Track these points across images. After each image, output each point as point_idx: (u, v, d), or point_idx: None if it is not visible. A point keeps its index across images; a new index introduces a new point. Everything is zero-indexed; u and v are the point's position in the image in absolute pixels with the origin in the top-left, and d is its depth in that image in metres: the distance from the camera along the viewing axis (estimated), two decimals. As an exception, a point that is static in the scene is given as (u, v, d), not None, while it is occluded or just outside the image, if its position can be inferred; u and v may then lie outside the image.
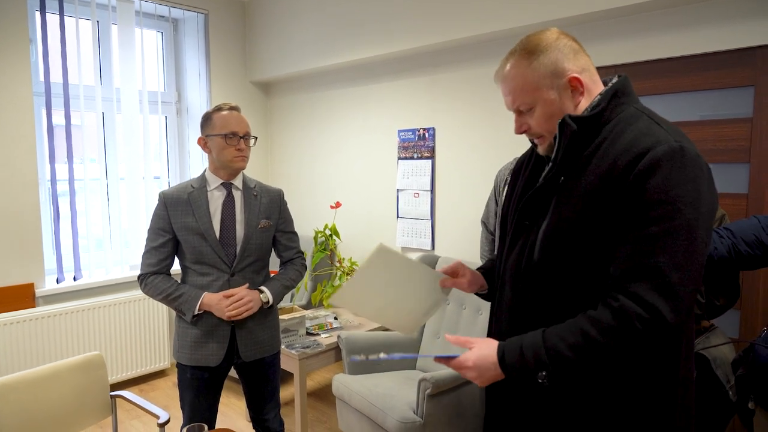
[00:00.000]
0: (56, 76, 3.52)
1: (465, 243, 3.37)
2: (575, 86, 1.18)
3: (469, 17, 3.03)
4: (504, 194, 2.59)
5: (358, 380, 2.78)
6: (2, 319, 3.22)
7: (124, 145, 3.88)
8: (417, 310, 1.47)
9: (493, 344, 1.19)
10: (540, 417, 1.22)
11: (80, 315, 3.53)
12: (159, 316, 3.91)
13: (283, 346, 2.88)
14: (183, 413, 2.16)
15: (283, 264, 2.28)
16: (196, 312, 2.03)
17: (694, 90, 2.53)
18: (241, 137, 2.05)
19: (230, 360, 2.12)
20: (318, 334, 3.12)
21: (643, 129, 1.10)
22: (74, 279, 3.65)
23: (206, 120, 2.09)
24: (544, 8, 2.72)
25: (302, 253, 2.32)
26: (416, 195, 3.64)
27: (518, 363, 1.13)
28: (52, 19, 3.47)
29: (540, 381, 1.12)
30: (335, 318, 3.32)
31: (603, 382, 1.14)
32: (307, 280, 3.85)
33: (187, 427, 1.48)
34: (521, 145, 2.82)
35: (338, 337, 3.00)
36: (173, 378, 3.96)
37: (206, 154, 2.12)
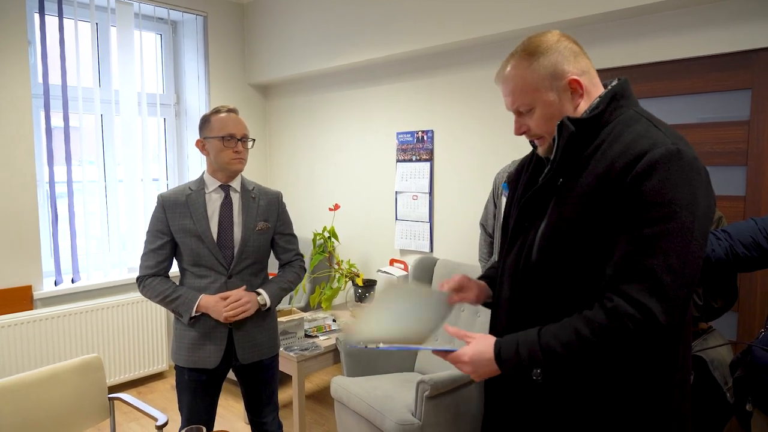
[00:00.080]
0: (55, 78, 3.52)
1: (463, 245, 3.38)
2: (575, 88, 1.18)
3: (468, 20, 3.04)
4: (502, 196, 2.61)
5: (357, 382, 2.78)
6: (0, 321, 3.22)
7: (122, 147, 3.88)
8: (426, 329, 1.47)
9: (490, 340, 1.20)
10: (538, 418, 1.22)
11: (78, 317, 3.53)
12: (157, 318, 3.90)
13: (281, 348, 2.88)
14: (181, 415, 2.16)
15: (281, 266, 2.28)
16: (193, 314, 2.03)
17: (692, 93, 2.54)
18: (238, 139, 2.06)
19: (228, 362, 2.12)
20: (316, 336, 3.12)
21: (641, 131, 1.11)
22: (72, 281, 3.65)
23: (204, 122, 2.09)
24: (543, 11, 2.73)
25: (301, 255, 2.32)
26: (415, 197, 3.64)
27: (513, 359, 1.15)
28: (51, 21, 3.47)
29: (534, 378, 1.14)
30: (333, 320, 3.32)
31: (601, 384, 1.14)
32: (305, 282, 3.85)
33: (186, 429, 1.48)
34: (520, 147, 2.84)
35: (336, 339, 3.00)
36: (171, 380, 3.95)
37: (204, 157, 2.12)
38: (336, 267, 3.73)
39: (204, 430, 1.48)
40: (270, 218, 2.19)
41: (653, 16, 2.57)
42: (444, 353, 1.25)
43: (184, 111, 4.38)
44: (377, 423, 2.52)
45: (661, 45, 2.56)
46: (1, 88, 3.28)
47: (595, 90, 1.21)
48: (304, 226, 4.26)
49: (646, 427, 1.14)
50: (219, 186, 2.11)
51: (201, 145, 2.10)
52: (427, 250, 3.60)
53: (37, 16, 3.41)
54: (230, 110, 2.10)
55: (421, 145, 3.58)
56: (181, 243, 2.07)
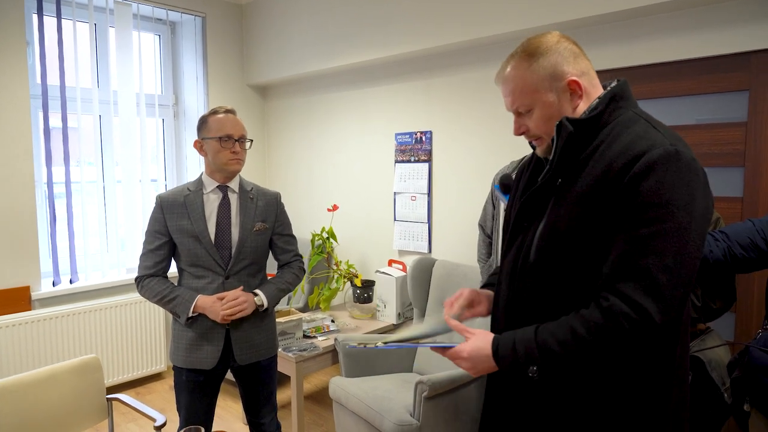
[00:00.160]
0: (53, 79, 3.51)
1: (462, 246, 3.38)
2: (574, 89, 1.19)
3: (467, 21, 3.04)
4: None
5: (355, 383, 2.78)
6: (-2, 322, 3.21)
7: (121, 147, 3.87)
8: (424, 332, 1.46)
9: (489, 337, 1.22)
10: (536, 418, 1.23)
11: (76, 318, 3.52)
12: (155, 319, 3.90)
13: (280, 349, 2.88)
14: (179, 416, 2.16)
15: (280, 267, 2.28)
16: (191, 314, 2.03)
17: (689, 94, 2.54)
18: (236, 140, 2.06)
19: (226, 363, 2.12)
20: (315, 337, 3.12)
21: (639, 132, 1.11)
22: (70, 282, 3.64)
23: (202, 123, 2.09)
24: (541, 13, 2.73)
25: (300, 256, 2.32)
26: (413, 198, 3.64)
27: (510, 356, 1.16)
28: (50, 22, 3.46)
29: (530, 375, 1.14)
30: (332, 321, 3.32)
31: (599, 383, 1.15)
32: (304, 283, 3.85)
33: (184, 430, 1.48)
34: (518, 148, 2.85)
35: (335, 339, 3.00)
36: (170, 381, 3.95)
37: (203, 157, 2.13)
38: (334, 268, 3.73)
39: (202, 430, 1.48)
40: (268, 219, 2.19)
41: (650, 18, 2.58)
42: (442, 349, 1.27)
43: (183, 112, 4.38)
44: (376, 423, 2.52)
45: (658, 46, 2.57)
46: (0, 88, 3.28)
47: (595, 91, 1.22)
48: (303, 226, 4.26)
49: (645, 427, 1.14)
50: (217, 187, 2.11)
51: (199, 145, 2.11)
52: (426, 250, 3.60)
53: (35, 17, 3.40)
54: (228, 111, 2.10)
55: (419, 146, 3.58)
56: (179, 243, 2.07)
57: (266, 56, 4.35)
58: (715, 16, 2.40)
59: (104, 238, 3.84)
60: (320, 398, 3.69)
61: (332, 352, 3.04)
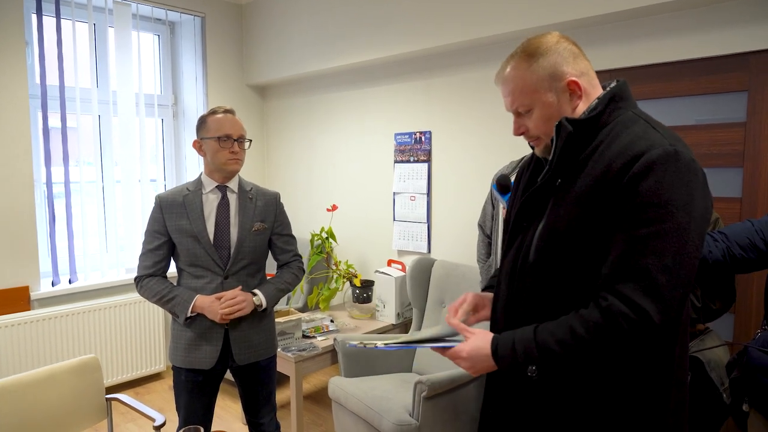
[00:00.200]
0: (52, 79, 3.51)
1: (461, 246, 3.38)
2: (573, 90, 1.19)
3: (466, 21, 3.04)
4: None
5: (354, 383, 2.78)
6: (-3, 322, 3.21)
7: (120, 147, 3.87)
8: (424, 335, 1.46)
9: (488, 336, 1.22)
10: (535, 417, 1.23)
11: (76, 318, 3.52)
12: (155, 319, 3.90)
13: (279, 349, 2.88)
14: (178, 416, 2.16)
15: (279, 267, 2.28)
16: (189, 314, 2.03)
17: (689, 95, 2.55)
18: (235, 140, 2.06)
19: (225, 363, 2.12)
20: (314, 337, 3.12)
21: (639, 132, 1.11)
22: (70, 282, 3.64)
23: (201, 123, 2.10)
24: (541, 13, 2.74)
25: (300, 256, 2.32)
26: (413, 198, 3.64)
27: (510, 356, 1.16)
28: (49, 22, 3.46)
29: (530, 374, 1.15)
30: (331, 321, 3.32)
31: (598, 384, 1.15)
32: (303, 283, 3.85)
33: (183, 429, 1.48)
34: (518, 148, 2.85)
35: (334, 339, 3.00)
36: (169, 381, 3.95)
37: (202, 158, 2.13)
38: (334, 268, 3.73)
39: (201, 430, 1.48)
40: (267, 219, 2.19)
41: (650, 18, 2.58)
42: (442, 349, 1.27)
43: (182, 112, 4.38)
44: (375, 423, 2.52)
45: (657, 47, 2.57)
46: (-1, 88, 3.29)
47: (594, 91, 1.22)
48: (302, 226, 4.27)
49: (644, 427, 1.14)
50: (216, 186, 2.11)
51: (198, 145, 2.11)
52: (425, 250, 3.60)
53: (34, 17, 3.40)
54: (227, 111, 2.10)
55: (418, 146, 3.58)
56: (178, 243, 2.07)
57: (266, 56, 4.35)
58: (714, 17, 2.40)
59: (103, 238, 3.84)
60: (319, 398, 3.69)
61: (331, 352, 3.04)
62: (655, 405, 1.14)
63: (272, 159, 4.76)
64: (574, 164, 1.18)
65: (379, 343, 1.35)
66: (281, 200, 2.28)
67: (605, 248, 1.10)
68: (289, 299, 3.94)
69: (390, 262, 3.67)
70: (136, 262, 2.14)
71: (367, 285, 3.58)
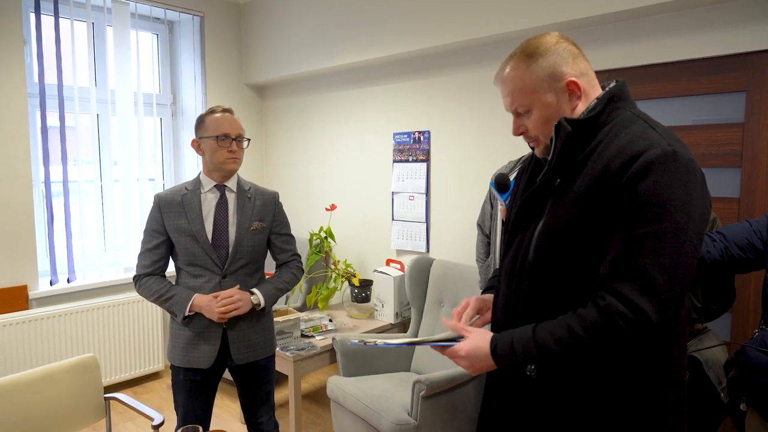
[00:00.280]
0: (51, 78, 3.51)
1: (460, 246, 3.38)
2: (573, 90, 1.19)
3: (466, 21, 3.04)
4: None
5: (353, 382, 2.78)
6: (-5, 321, 3.21)
7: (118, 147, 3.87)
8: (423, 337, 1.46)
9: (487, 335, 1.22)
10: (534, 417, 1.23)
11: (74, 317, 3.52)
12: (153, 318, 3.90)
13: (277, 348, 2.88)
14: (177, 415, 2.16)
15: (278, 267, 2.28)
16: (187, 313, 2.03)
17: (687, 95, 2.55)
18: (233, 139, 2.06)
19: (223, 362, 2.12)
20: (313, 336, 3.12)
21: (637, 132, 1.12)
22: (68, 281, 3.64)
23: (200, 122, 2.10)
24: (540, 13, 2.74)
25: (298, 255, 2.32)
26: (411, 198, 3.64)
27: (508, 355, 1.17)
28: (47, 21, 3.46)
29: (528, 373, 1.15)
30: (330, 320, 3.32)
31: (596, 383, 1.15)
32: (301, 283, 3.85)
33: (182, 429, 1.48)
34: (517, 148, 2.85)
35: (333, 339, 3.00)
36: (167, 380, 3.94)
37: (201, 157, 2.13)
38: (332, 267, 3.73)
39: (200, 429, 1.48)
40: (266, 218, 2.19)
41: (649, 18, 2.58)
42: (441, 348, 1.28)
43: (181, 111, 4.38)
44: (373, 423, 2.52)
45: (656, 47, 2.57)
46: (-3, 87, 3.28)
47: (593, 92, 1.22)
48: (301, 226, 4.27)
49: (642, 427, 1.15)
50: (215, 186, 2.11)
51: (196, 145, 2.11)
52: (424, 250, 3.61)
53: (33, 16, 3.40)
54: (225, 110, 2.10)
55: (417, 146, 3.58)
56: (177, 242, 2.07)
57: (264, 56, 4.35)
58: (712, 18, 2.41)
59: (102, 238, 3.83)
60: (318, 397, 3.69)
61: (330, 352, 3.04)
62: (653, 404, 1.14)
63: (271, 158, 4.75)
64: (573, 164, 1.18)
65: (380, 341, 1.35)
66: (280, 199, 2.28)
67: (604, 248, 1.10)
68: (287, 298, 3.94)
69: (388, 262, 3.67)
70: (134, 261, 2.14)
71: (366, 284, 3.58)
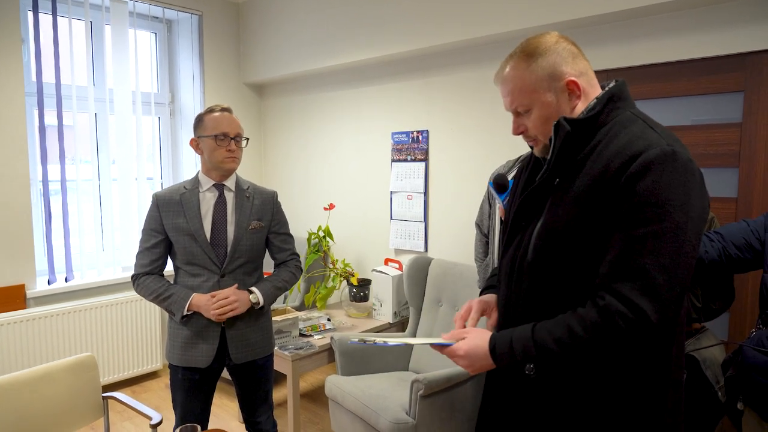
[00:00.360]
0: (48, 76, 3.50)
1: (458, 245, 3.39)
2: (572, 90, 1.20)
3: (465, 21, 3.05)
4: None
5: (351, 381, 2.78)
6: (-7, 320, 3.20)
7: (116, 145, 3.86)
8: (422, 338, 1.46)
9: (486, 335, 1.22)
10: (533, 416, 1.24)
11: (72, 316, 3.51)
12: (151, 317, 3.89)
13: (276, 348, 2.88)
14: (175, 414, 2.16)
15: (277, 266, 2.28)
16: (185, 312, 2.03)
17: (685, 95, 2.55)
18: (231, 138, 2.06)
19: (222, 361, 2.12)
20: (311, 336, 3.12)
21: (637, 132, 1.12)
22: (66, 280, 3.63)
23: (198, 121, 2.10)
24: (539, 13, 2.74)
25: (297, 255, 2.32)
26: (410, 197, 3.65)
27: (507, 354, 1.17)
28: (45, 19, 3.45)
29: (527, 372, 1.15)
30: (328, 319, 3.32)
31: (595, 383, 1.15)
32: (300, 282, 3.85)
33: (180, 428, 1.48)
34: (515, 148, 2.85)
35: (331, 338, 3.00)
36: (166, 379, 3.94)
37: (199, 156, 2.13)
38: (331, 266, 3.73)
39: (198, 428, 1.48)
40: (264, 217, 2.19)
41: (648, 18, 2.58)
42: (440, 347, 1.28)
43: (179, 110, 4.37)
44: (372, 422, 2.52)
45: (655, 47, 2.58)
46: (-5, 85, 3.27)
47: (593, 91, 1.23)
48: (299, 225, 4.27)
49: (641, 426, 1.15)
50: (213, 185, 2.11)
51: (195, 144, 2.11)
52: (422, 249, 3.61)
53: (30, 14, 3.39)
54: (224, 109, 2.10)
55: (416, 145, 3.58)
56: (175, 241, 2.07)
57: (263, 55, 4.34)
58: (711, 18, 2.41)
59: (100, 237, 3.83)
60: (316, 397, 3.69)
61: (328, 351, 3.04)
62: (652, 404, 1.14)
63: (269, 157, 4.75)
64: (572, 164, 1.18)
65: (379, 340, 1.35)
66: (278, 199, 2.28)
67: (603, 247, 1.11)
68: (285, 298, 3.93)
69: (387, 261, 3.67)
70: (132, 261, 2.14)
71: (364, 284, 3.59)
